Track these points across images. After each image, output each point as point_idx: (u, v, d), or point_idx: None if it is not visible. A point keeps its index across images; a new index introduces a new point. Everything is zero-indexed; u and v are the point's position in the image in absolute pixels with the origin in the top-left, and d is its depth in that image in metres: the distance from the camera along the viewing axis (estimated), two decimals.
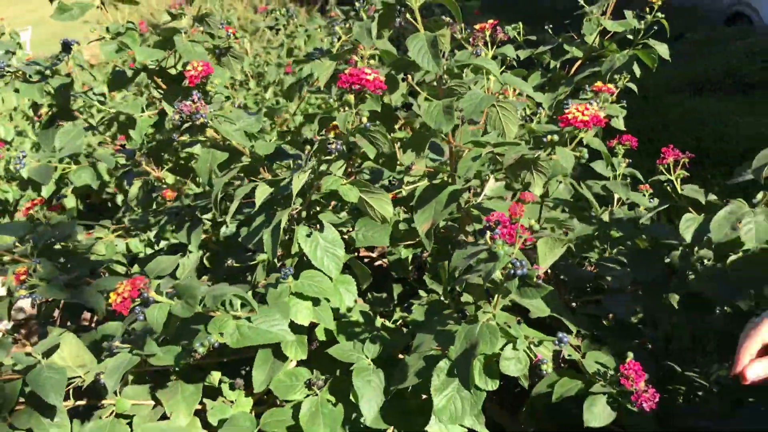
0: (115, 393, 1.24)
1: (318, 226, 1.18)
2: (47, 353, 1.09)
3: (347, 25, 1.48)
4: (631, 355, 1.09)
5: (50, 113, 1.61)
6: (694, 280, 1.28)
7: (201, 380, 1.27)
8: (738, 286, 1.24)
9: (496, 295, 0.96)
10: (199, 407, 1.28)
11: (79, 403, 1.23)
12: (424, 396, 1.19)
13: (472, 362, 0.92)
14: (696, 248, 1.33)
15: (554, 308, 1.14)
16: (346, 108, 0.99)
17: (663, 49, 1.74)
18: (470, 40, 1.25)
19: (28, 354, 1.06)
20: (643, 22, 1.74)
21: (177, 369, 1.26)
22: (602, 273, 1.42)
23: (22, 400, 1.15)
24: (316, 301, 1.16)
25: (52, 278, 1.19)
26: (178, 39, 1.35)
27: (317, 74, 1.40)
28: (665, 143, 1.45)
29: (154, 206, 1.60)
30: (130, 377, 1.30)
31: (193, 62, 1.19)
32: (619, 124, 1.68)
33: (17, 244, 1.41)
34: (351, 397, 1.12)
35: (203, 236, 1.45)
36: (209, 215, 1.48)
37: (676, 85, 6.71)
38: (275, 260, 1.16)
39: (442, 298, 1.18)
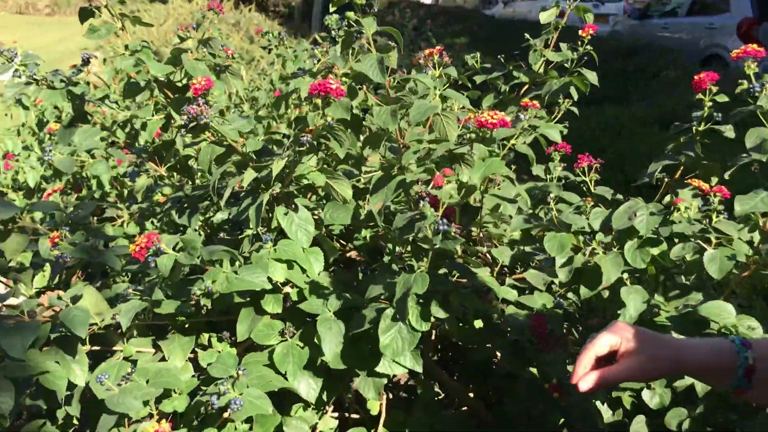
0: (124, 340, 1.52)
1: (294, 206, 1.48)
2: (73, 300, 1.37)
3: (325, 49, 1.79)
4: (549, 302, 1.38)
5: (70, 116, 1.90)
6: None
7: (193, 335, 1.55)
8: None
9: (429, 254, 1.25)
10: (192, 356, 1.55)
11: (94, 348, 1.50)
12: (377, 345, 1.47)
13: (407, 302, 1.22)
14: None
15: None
16: (316, 110, 1.29)
17: (592, 77, 2.04)
18: (421, 62, 1.56)
19: (60, 298, 1.34)
20: (575, 53, 2.05)
21: (176, 321, 1.54)
22: (530, 257, 1.71)
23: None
24: (290, 265, 1.45)
25: (79, 243, 1.48)
26: (185, 57, 1.65)
27: (301, 88, 1.70)
28: (637, 172, 1.74)
29: (158, 197, 1.89)
30: (135, 331, 1.58)
31: (197, 77, 1.49)
32: (556, 137, 1.98)
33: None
34: (316, 341, 1.41)
35: (200, 221, 1.74)
36: (205, 204, 1.77)
37: (648, 120, 7.09)
38: (258, 231, 1.45)
39: (393, 265, 1.47)
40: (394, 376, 1.85)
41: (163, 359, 1.50)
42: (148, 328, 1.60)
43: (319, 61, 1.78)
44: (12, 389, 1.28)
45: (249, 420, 1.52)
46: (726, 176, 1.48)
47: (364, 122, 1.70)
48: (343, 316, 1.44)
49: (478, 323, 1.65)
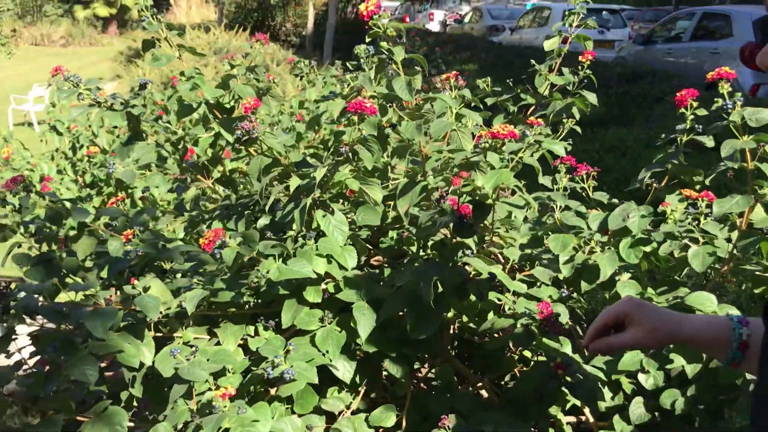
0: (183, 328, 1.75)
1: (330, 210, 1.71)
2: (144, 289, 1.60)
3: (355, 75, 2.02)
4: (554, 294, 1.60)
5: (128, 134, 2.14)
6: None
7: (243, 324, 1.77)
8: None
9: (448, 247, 1.47)
10: (241, 342, 1.77)
11: (157, 334, 1.72)
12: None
13: (431, 287, 1.44)
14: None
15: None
16: (351, 126, 1.52)
17: (592, 98, 2.27)
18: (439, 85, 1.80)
19: (134, 287, 1.57)
20: (576, 76, 2.29)
21: (227, 313, 1.77)
22: (537, 257, 1.93)
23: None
24: (328, 260, 1.67)
25: (148, 240, 1.71)
26: (233, 82, 1.89)
27: (332, 109, 1.93)
28: (637, 189, 1.96)
29: (205, 207, 2.13)
30: (191, 321, 1.80)
31: (248, 98, 1.73)
32: (560, 152, 2.20)
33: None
34: (351, 325, 1.63)
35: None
36: (249, 211, 2.00)
37: (651, 142, 7.33)
38: (302, 231, 1.67)
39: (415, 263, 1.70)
40: (419, 369, 2.07)
41: (217, 344, 1.72)
42: (202, 318, 1.82)
43: (349, 85, 2.01)
44: (96, 363, 1.50)
45: (290, 401, 1.74)
46: (707, 182, 1.70)
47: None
48: (374, 305, 1.66)
49: (491, 317, 1.87)
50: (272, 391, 1.67)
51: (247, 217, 1.97)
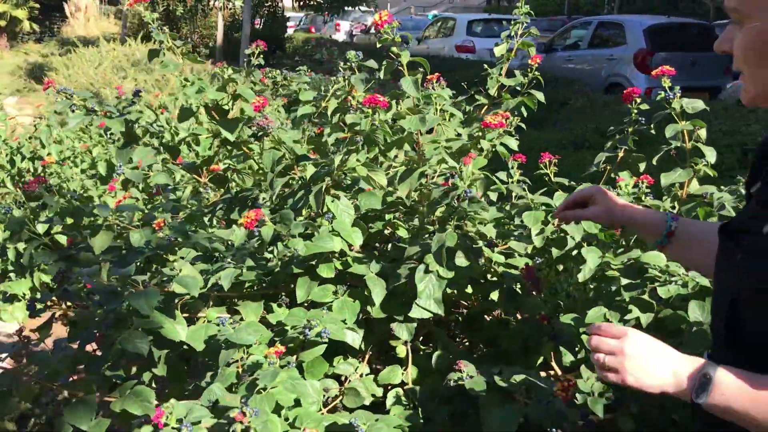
0: (206, 308, 1.93)
1: (337, 196, 1.93)
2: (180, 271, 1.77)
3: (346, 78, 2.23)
4: (530, 262, 1.88)
5: (124, 139, 2.29)
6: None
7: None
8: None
9: (454, 218, 1.73)
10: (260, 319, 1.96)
11: (184, 315, 1.90)
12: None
13: (442, 253, 1.69)
14: None
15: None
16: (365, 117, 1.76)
17: (540, 96, 2.59)
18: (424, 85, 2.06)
19: (172, 269, 1.74)
20: (526, 78, 2.60)
21: (243, 292, 1.96)
22: (510, 233, 2.22)
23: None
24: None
25: (178, 227, 1.88)
26: (236, 85, 2.09)
27: (304, 111, 2.15)
28: (591, 174, 2.28)
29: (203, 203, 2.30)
30: (211, 302, 1.98)
31: (257, 98, 1.94)
32: (513, 145, 2.50)
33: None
34: (365, 293, 1.85)
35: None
36: (250, 203, 2.19)
37: (562, 142, 7.88)
38: (319, 211, 1.88)
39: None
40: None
41: (241, 320, 1.91)
42: (220, 300, 2.01)
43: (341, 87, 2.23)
44: (146, 337, 1.67)
45: (300, 369, 1.95)
46: (654, 162, 2.03)
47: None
48: (382, 276, 1.89)
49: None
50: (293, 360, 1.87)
51: (249, 208, 2.16)
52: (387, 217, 2.09)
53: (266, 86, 2.24)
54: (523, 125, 2.71)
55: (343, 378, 1.99)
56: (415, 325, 1.92)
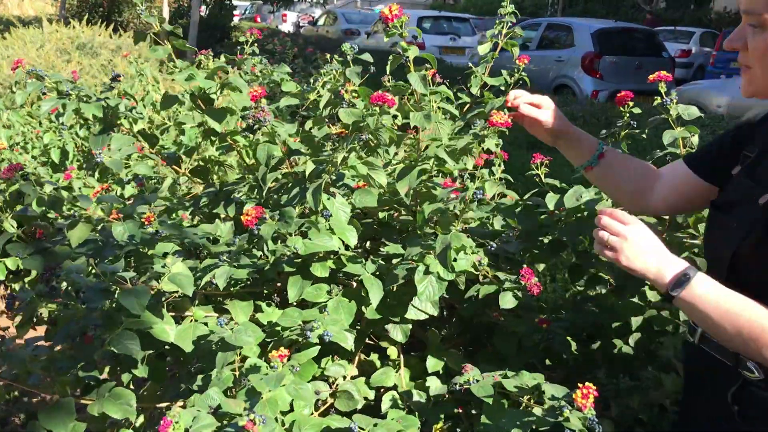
0: (191, 307, 1.84)
1: (332, 193, 1.87)
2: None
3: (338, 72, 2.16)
4: (524, 266, 1.85)
5: (101, 125, 2.17)
6: (557, 231, 2.08)
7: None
8: (577, 234, 2.04)
9: (458, 219, 1.70)
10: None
11: (171, 314, 1.81)
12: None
13: (447, 254, 1.65)
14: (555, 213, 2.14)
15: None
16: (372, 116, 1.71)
17: None
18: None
19: (164, 266, 1.64)
20: (512, 77, 2.58)
21: (230, 291, 1.88)
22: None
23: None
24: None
25: (167, 222, 1.79)
26: (233, 76, 2.01)
27: (320, 101, 2.08)
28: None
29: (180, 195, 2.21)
30: (197, 301, 1.90)
31: (254, 87, 1.85)
32: (494, 148, 2.48)
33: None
34: (361, 293, 1.80)
35: None
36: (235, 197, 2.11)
37: (516, 141, 7.96)
38: (316, 208, 1.82)
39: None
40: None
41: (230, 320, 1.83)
42: (206, 299, 1.92)
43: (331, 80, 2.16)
44: (137, 338, 1.58)
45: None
46: None
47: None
48: (377, 276, 1.84)
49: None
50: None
51: (234, 203, 2.08)
52: (380, 215, 2.04)
53: (256, 76, 2.15)
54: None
55: (331, 381, 1.94)
56: (410, 326, 1.88)
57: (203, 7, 19.20)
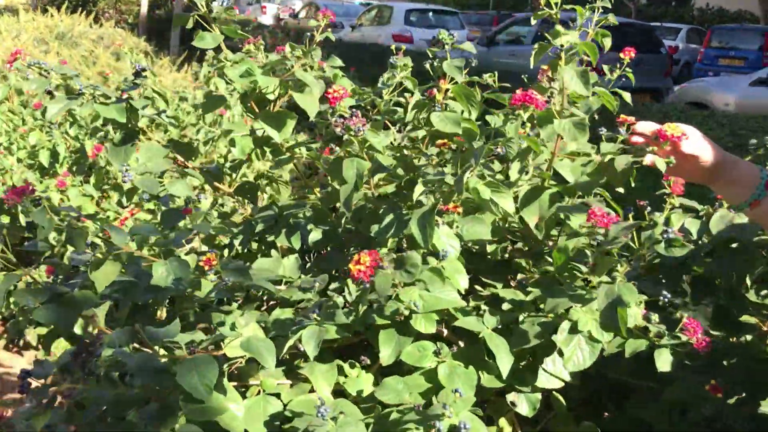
0: (257, 374, 1.40)
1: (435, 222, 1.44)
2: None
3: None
4: (685, 315, 1.44)
5: (122, 133, 1.72)
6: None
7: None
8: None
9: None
10: None
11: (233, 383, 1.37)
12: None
13: (617, 310, 1.23)
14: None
15: None
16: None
17: None
18: None
19: (233, 328, 1.20)
20: None
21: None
22: None
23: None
24: None
25: (234, 265, 1.34)
26: (294, 70, 1.56)
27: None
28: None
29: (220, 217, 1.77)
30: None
31: (334, 87, 1.42)
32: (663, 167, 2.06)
33: None
34: (485, 358, 1.38)
35: None
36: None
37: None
38: (426, 247, 1.39)
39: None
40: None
41: (311, 391, 1.40)
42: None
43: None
44: None
45: None
46: None
47: None
48: (498, 332, 1.42)
49: None
50: None
51: (294, 230, 1.65)
52: (489, 248, 1.61)
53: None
54: None
55: None
56: (539, 396, 1.46)
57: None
